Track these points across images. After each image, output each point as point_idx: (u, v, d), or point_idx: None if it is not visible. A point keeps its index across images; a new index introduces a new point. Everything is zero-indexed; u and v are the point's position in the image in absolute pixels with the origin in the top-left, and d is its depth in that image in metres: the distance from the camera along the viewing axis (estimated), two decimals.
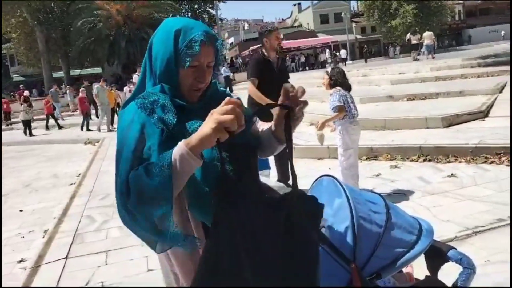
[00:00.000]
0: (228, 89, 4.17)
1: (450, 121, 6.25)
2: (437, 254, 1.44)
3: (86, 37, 27.72)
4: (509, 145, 4.72)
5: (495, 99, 7.38)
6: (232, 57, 41.56)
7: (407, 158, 5.23)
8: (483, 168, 4.55)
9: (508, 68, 10.84)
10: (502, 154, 4.66)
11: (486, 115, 6.49)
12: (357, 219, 1.26)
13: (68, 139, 12.60)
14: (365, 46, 40.64)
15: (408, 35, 22.13)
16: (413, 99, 8.67)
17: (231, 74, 19.60)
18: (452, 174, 4.42)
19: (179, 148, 1.04)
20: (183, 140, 1.05)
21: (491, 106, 6.89)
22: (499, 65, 11.84)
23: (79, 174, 7.39)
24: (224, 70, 19.18)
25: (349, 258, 1.24)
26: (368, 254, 1.26)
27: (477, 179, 4.21)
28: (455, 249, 1.43)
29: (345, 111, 3.83)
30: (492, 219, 3.23)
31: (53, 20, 29.28)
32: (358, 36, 49.35)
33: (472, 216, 3.33)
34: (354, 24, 48.92)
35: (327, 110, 9.28)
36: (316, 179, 1.49)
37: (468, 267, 1.36)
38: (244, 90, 20.80)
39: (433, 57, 18.68)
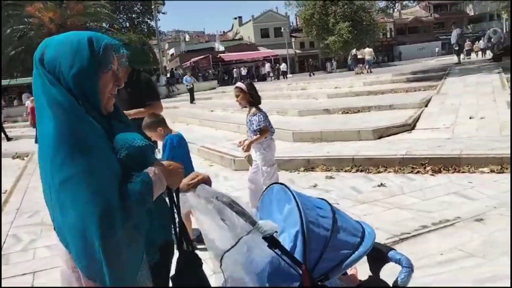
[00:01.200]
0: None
1: (381, 133, 6.60)
2: (378, 255, 1.52)
3: (16, 46, 26.18)
4: (433, 156, 5.07)
5: (421, 112, 7.90)
6: (172, 68, 41.09)
7: (341, 169, 5.45)
8: (410, 177, 4.84)
9: (433, 83, 11.67)
10: (426, 164, 4.99)
11: (413, 128, 6.92)
12: (306, 224, 1.33)
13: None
14: (310, 59, 41.86)
15: (354, 50, 24.79)
16: (348, 112, 9.06)
17: (193, 83, 19.59)
18: (381, 184, 4.65)
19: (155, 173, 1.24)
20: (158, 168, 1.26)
21: (417, 119, 7.36)
22: (425, 80, 12.71)
23: (5, 190, 6.91)
24: (186, 79, 19.50)
25: (300, 261, 1.31)
26: (317, 256, 1.33)
27: (404, 188, 4.47)
28: (395, 250, 1.51)
29: (269, 131, 3.89)
30: (417, 226, 3.44)
31: None
32: (297, 51, 50.88)
33: (399, 223, 3.52)
34: (293, 39, 50.42)
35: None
36: (267, 188, 1.56)
37: (407, 266, 1.43)
38: (184, 101, 20.62)
39: (371, 71, 21.30)
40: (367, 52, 22.66)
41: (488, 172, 4.56)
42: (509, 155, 4.63)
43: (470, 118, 6.96)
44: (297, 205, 1.37)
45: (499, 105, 7.64)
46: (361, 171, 5.31)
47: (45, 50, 1.22)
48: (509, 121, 6.42)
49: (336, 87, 14.86)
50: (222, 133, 9.37)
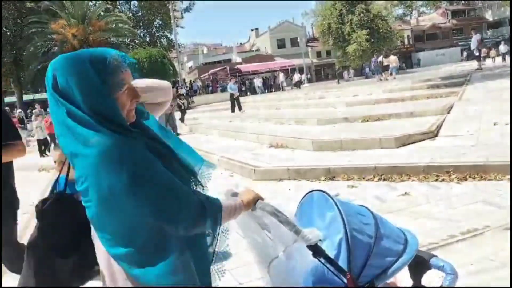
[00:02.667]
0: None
1: (403, 141, 6.51)
2: (420, 262, 1.50)
3: (40, 61, 26.95)
4: (458, 164, 4.97)
5: (444, 119, 7.77)
6: (191, 80, 41.59)
7: (363, 178, 5.38)
8: (435, 186, 4.75)
9: (454, 89, 11.50)
10: (451, 172, 4.89)
11: (436, 135, 6.81)
12: (350, 231, 1.33)
13: (19, 165, 12.03)
14: (340, 67, 41.63)
15: (381, 57, 25.87)
16: (367, 120, 8.98)
17: (236, 91, 18.04)
18: (406, 193, 4.58)
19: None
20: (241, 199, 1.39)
21: (440, 126, 7.24)
22: (446, 87, 12.53)
23: (33, 203, 7.04)
24: (230, 87, 17.86)
25: (345, 269, 1.31)
26: (362, 264, 1.32)
27: (429, 197, 4.38)
28: (437, 256, 1.49)
29: None
30: (445, 236, 3.36)
31: (5, 44, 28.31)
32: (314, 60, 50.87)
33: (426, 233, 3.45)
34: (309, 49, 50.47)
35: (287, 131, 9.45)
36: (306, 194, 1.57)
37: (451, 273, 1.42)
38: (203, 113, 20.73)
39: (395, 78, 22.37)
40: (393, 60, 24.06)
41: None
42: None
43: (495, 124, 6.81)
44: (340, 212, 1.37)
45: None
46: (384, 179, 5.24)
47: (55, 75, 1.19)
48: None
49: (354, 95, 14.77)
50: (241, 144, 9.39)
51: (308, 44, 51.25)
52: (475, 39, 17.15)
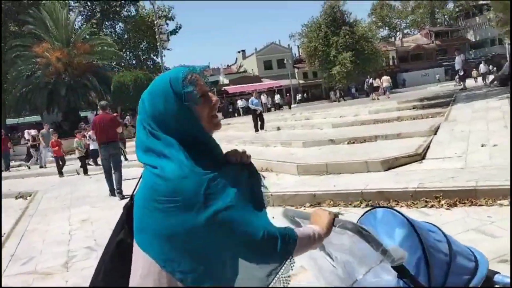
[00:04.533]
0: None
1: (390, 164, 6.33)
2: (485, 280, 1.43)
3: (24, 85, 26.55)
4: (447, 188, 4.79)
5: (431, 141, 7.64)
6: None
7: (350, 204, 5.16)
8: (424, 212, 4.54)
9: (440, 110, 11.47)
10: (440, 197, 4.70)
11: (423, 158, 6.65)
12: (427, 249, 1.28)
13: None
14: (338, 86, 41.62)
15: (371, 79, 27.43)
16: (354, 142, 8.83)
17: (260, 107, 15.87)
18: None
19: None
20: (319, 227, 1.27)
21: (427, 148, 7.10)
22: (432, 107, 12.52)
23: (4, 233, 6.68)
24: (252, 102, 15.41)
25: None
26: (441, 283, 1.28)
27: None
28: (499, 273, 1.44)
29: None
30: None
31: None
32: (301, 81, 51.25)
33: None
34: (296, 70, 50.90)
35: (272, 155, 9.22)
36: (366, 212, 1.50)
37: None
38: None
39: (388, 97, 23.30)
40: (385, 79, 25.16)
41: (507, 205, 4.25)
42: None
43: (482, 145, 6.69)
44: (414, 229, 1.31)
45: None
46: (371, 206, 5.02)
47: (146, 104, 1.23)
48: None
49: (341, 116, 14.70)
50: None
51: (295, 65, 51.72)
52: (459, 59, 17.32)
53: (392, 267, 1.21)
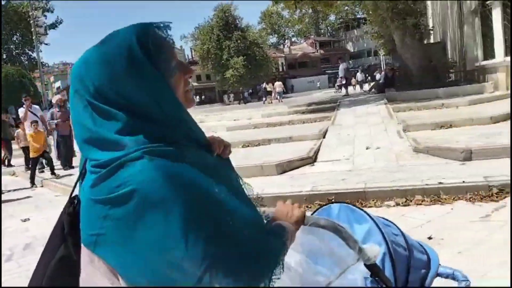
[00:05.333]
0: None
1: (284, 168, 6.33)
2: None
3: None
4: (339, 191, 4.87)
5: (320, 144, 7.88)
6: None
7: None
8: None
9: (327, 114, 12.04)
10: (333, 200, 4.74)
11: (315, 160, 6.79)
12: (391, 244, 1.22)
13: None
14: (243, 89, 41.42)
15: (264, 84, 28.81)
16: (248, 145, 8.77)
17: None
18: None
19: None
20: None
21: (317, 151, 7.28)
22: (319, 112, 13.12)
23: None
24: None
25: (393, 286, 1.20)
26: (404, 278, 1.24)
27: None
28: (441, 265, 1.38)
29: None
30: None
31: None
32: (194, 83, 50.80)
33: None
34: None
35: None
36: (320, 208, 1.39)
37: (465, 279, 1.34)
38: None
39: (281, 101, 24.64)
40: (278, 85, 26.39)
41: (393, 206, 4.45)
42: (411, 187, 4.61)
43: (367, 148, 7.06)
44: (376, 225, 1.24)
45: (390, 135, 7.93)
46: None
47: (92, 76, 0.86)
48: (403, 150, 6.63)
49: (235, 119, 14.70)
50: None
51: None
52: (342, 67, 18.55)
53: (366, 266, 1.13)
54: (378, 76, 26.05)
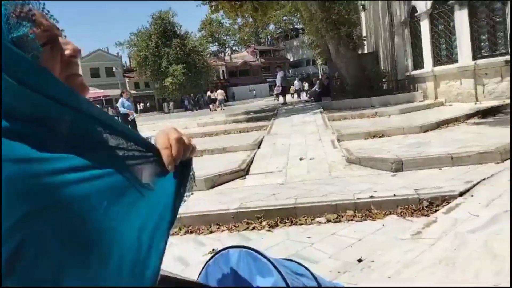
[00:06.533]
0: None
1: (213, 182, 5.93)
2: None
3: None
4: (268, 207, 4.54)
5: (254, 155, 7.58)
6: None
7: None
8: (245, 236, 4.17)
9: (263, 123, 11.82)
10: (262, 218, 4.41)
11: (247, 173, 6.45)
12: None
13: None
14: (170, 98, 40.10)
15: (209, 92, 28.48)
16: None
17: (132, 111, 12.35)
18: (213, 250, 3.86)
19: None
20: None
21: (250, 163, 6.96)
22: (256, 120, 12.88)
23: None
24: (122, 104, 11.84)
25: None
26: None
27: None
28: None
29: None
30: None
31: None
32: (132, 91, 49.08)
33: None
34: (127, 79, 48.64)
35: None
36: (217, 253, 1.12)
37: None
38: None
39: (222, 109, 24.88)
40: (219, 93, 26.98)
41: (324, 223, 4.18)
42: (343, 202, 4.38)
43: (301, 159, 6.84)
44: (282, 277, 1.00)
45: (325, 145, 7.80)
46: (191, 232, 4.46)
47: None
48: (337, 161, 6.47)
49: None
50: None
51: (125, 74, 49.37)
52: (279, 76, 18.56)
53: None
54: (317, 84, 26.55)
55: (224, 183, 6.02)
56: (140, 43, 38.42)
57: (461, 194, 4.22)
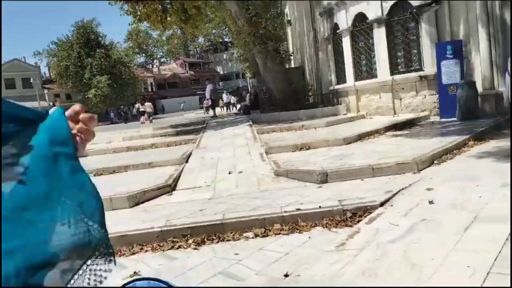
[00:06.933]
0: None
1: (137, 199, 5.64)
2: None
3: None
4: (195, 224, 4.39)
5: (182, 169, 7.37)
6: None
7: (84, 256, 4.17)
8: (170, 256, 3.98)
9: (193, 136, 11.61)
10: (188, 236, 4.25)
11: (174, 189, 6.24)
12: None
13: None
14: (94, 110, 38.05)
15: (138, 104, 27.89)
16: (101, 173, 7.82)
17: None
18: (135, 272, 3.62)
19: None
20: None
21: (178, 178, 6.75)
22: (185, 134, 12.64)
23: None
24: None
25: None
26: None
27: (162, 274, 3.55)
28: None
29: None
30: None
31: None
32: (51, 104, 46.32)
33: None
34: (46, 91, 45.74)
35: None
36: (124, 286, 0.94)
37: None
38: None
39: (151, 121, 24.74)
40: (147, 106, 27.33)
41: (252, 238, 4.12)
42: (270, 215, 4.36)
43: (229, 173, 6.76)
44: None
45: (254, 158, 7.80)
46: (111, 254, 4.16)
47: None
48: (265, 174, 6.48)
49: (92, 143, 13.35)
50: None
51: (45, 86, 46.41)
52: (208, 88, 18.47)
53: None
54: (246, 98, 26.84)
55: (149, 199, 5.76)
56: (60, 53, 36.39)
57: (382, 204, 4.38)
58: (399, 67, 12.02)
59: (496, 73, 10.19)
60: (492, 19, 10.07)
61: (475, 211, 3.77)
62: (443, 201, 4.19)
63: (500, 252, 2.92)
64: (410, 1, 11.35)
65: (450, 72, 10.45)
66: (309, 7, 15.91)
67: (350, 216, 4.25)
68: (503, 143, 7.04)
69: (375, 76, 12.39)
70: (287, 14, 22.59)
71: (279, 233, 4.13)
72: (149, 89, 54.11)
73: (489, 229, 3.33)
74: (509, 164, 4.97)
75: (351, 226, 4.07)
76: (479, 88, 10.16)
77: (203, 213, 4.78)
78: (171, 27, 22.17)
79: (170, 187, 6.18)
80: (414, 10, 11.30)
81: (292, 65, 22.34)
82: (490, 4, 10.02)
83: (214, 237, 4.22)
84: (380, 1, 11.72)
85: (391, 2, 11.62)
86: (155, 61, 64.44)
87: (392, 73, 11.86)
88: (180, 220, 4.58)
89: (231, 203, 5.10)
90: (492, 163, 5.67)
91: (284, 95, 14.95)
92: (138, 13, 17.14)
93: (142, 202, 5.65)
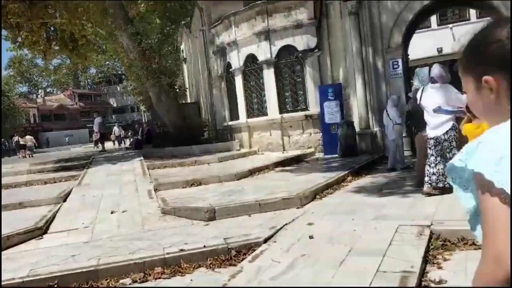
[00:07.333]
0: None
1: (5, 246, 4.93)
2: None
3: None
4: (64, 272, 3.93)
5: (58, 209, 6.71)
6: None
7: None
8: None
9: (75, 173, 10.76)
10: (55, 286, 3.77)
11: (45, 232, 5.60)
12: None
13: None
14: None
15: (17, 137, 26.46)
16: None
17: None
18: None
19: None
20: None
21: (52, 219, 6.10)
22: (67, 170, 11.68)
23: None
24: None
25: None
26: None
27: None
28: None
29: None
30: None
31: None
32: None
33: None
34: None
35: None
36: None
37: None
38: None
39: (32, 156, 23.17)
40: (28, 139, 26.01)
41: (129, 284, 3.80)
42: (151, 258, 4.09)
43: (112, 212, 6.31)
44: None
45: (141, 195, 7.43)
46: None
47: None
48: (152, 212, 6.17)
49: None
50: None
51: None
52: (97, 121, 17.52)
53: None
54: (139, 131, 25.96)
55: (14, 245, 5.07)
56: None
57: (266, 240, 4.39)
58: (287, 106, 12.66)
59: (371, 114, 11.25)
60: (367, 67, 11.19)
61: (349, 245, 3.95)
62: (322, 236, 4.33)
63: (370, 284, 3.06)
64: (296, 46, 12.16)
65: (332, 112, 11.30)
66: (203, 45, 16.18)
67: (235, 254, 4.17)
68: (377, 178, 7.69)
69: (265, 114, 12.87)
70: (183, 51, 22.71)
71: (160, 277, 3.88)
72: (32, 121, 49.70)
73: (361, 262, 3.50)
74: (379, 198, 5.39)
75: (235, 265, 3.98)
76: (357, 128, 11.10)
77: (76, 258, 4.33)
78: (56, 56, 20.85)
79: (40, 230, 5.53)
80: (300, 54, 12.11)
81: (189, 100, 22.32)
82: (364, 53, 11.15)
83: (86, 286, 3.81)
84: (269, 45, 12.36)
85: (279, 46, 12.33)
86: (40, 91, 59.68)
87: (281, 112, 12.42)
88: (47, 268, 4.07)
89: (110, 246, 4.70)
90: (365, 197, 6.10)
91: (179, 129, 14.74)
92: (19, 39, 15.87)
93: (6, 249, 4.95)
